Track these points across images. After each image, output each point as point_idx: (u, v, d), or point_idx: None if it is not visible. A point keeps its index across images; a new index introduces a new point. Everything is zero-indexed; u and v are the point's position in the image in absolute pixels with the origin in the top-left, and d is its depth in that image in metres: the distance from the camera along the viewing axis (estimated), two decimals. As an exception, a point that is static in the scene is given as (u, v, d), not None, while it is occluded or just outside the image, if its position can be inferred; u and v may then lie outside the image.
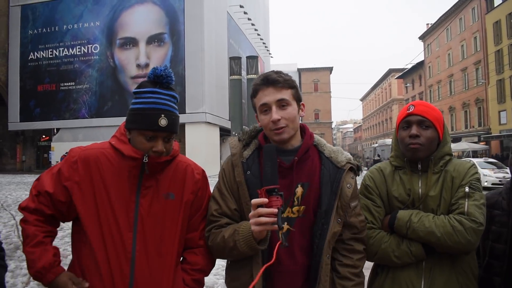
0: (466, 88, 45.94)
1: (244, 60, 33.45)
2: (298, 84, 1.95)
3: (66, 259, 2.52)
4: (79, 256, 1.80)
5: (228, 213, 1.88)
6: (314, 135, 2.01)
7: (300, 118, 1.99)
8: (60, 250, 2.00)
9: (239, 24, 38.09)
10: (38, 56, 32.75)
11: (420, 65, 59.75)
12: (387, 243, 2.00)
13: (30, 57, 32.89)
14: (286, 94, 1.84)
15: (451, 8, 48.48)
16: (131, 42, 30.46)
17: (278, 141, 1.85)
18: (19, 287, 4.96)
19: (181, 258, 1.97)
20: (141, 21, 30.18)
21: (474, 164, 2.13)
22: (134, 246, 1.74)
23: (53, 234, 1.87)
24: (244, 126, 27.74)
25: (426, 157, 2.04)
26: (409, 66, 61.84)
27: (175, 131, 1.84)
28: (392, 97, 77.48)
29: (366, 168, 42.00)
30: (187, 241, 1.94)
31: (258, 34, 43.77)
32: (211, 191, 2.02)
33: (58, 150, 29.45)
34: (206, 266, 1.96)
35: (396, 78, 72.94)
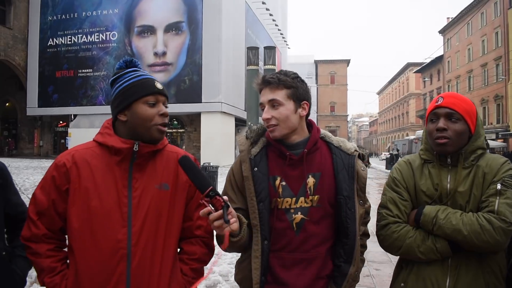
0: (486, 84, 45.24)
1: (261, 51, 33.32)
2: (300, 84, 1.96)
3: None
4: (72, 257, 1.77)
5: None
6: (320, 129, 2.07)
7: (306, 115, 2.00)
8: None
9: (257, 14, 37.91)
10: (57, 42, 33.02)
11: (439, 59, 58.92)
12: (412, 238, 1.96)
13: (49, 43, 33.19)
14: (279, 95, 1.89)
15: (473, 2, 47.65)
16: (149, 30, 30.54)
17: (273, 138, 1.93)
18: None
19: (178, 249, 1.97)
20: (159, 9, 30.21)
21: (508, 160, 2.02)
22: (129, 241, 1.71)
23: (66, 254, 1.84)
24: (249, 123, 27.71)
25: (455, 151, 1.97)
26: (428, 61, 61.02)
27: (168, 96, 1.89)
28: (409, 91, 76.65)
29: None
30: (183, 231, 1.93)
31: (276, 25, 43.51)
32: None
33: (75, 136, 29.80)
34: (204, 255, 1.95)
35: (414, 72, 72.13)
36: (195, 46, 29.42)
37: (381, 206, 2.10)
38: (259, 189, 1.89)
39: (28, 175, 16.34)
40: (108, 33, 31.71)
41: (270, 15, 40.08)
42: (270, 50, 32.89)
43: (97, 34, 32.01)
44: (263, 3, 37.57)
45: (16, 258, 2.01)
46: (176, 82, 29.71)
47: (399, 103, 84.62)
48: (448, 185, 1.98)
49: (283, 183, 1.91)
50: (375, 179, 25.79)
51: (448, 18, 58.18)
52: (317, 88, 74.30)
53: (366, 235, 2.13)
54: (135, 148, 1.76)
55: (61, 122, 35.80)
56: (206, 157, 26.41)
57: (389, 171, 2.28)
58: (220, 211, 1.58)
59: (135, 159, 1.78)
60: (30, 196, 10.28)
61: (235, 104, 31.49)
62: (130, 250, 1.71)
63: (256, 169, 1.92)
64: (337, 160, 1.95)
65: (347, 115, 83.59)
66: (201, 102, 28.89)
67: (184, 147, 32.66)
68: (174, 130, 33.75)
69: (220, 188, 2.02)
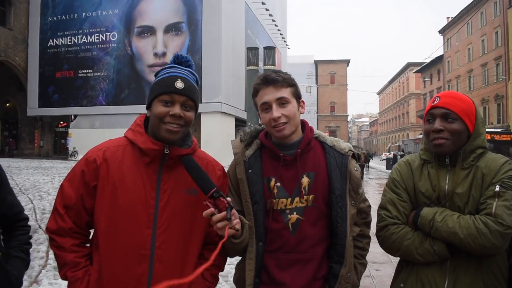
0: (486, 84, 45.23)
1: (261, 51, 33.34)
2: (297, 83, 2.00)
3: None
4: (96, 254, 1.77)
5: None
6: (314, 128, 2.08)
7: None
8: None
9: (257, 15, 37.91)
10: (57, 43, 33.04)
11: (439, 59, 58.92)
12: (410, 240, 1.94)
13: (49, 44, 33.21)
14: (286, 93, 1.90)
15: (473, 2, 47.64)
16: (149, 30, 30.56)
17: (279, 138, 1.92)
18: (36, 270, 5.07)
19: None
20: (159, 9, 30.23)
21: (509, 160, 1.96)
22: (153, 243, 1.70)
23: (90, 250, 1.83)
24: (248, 123, 27.68)
25: (454, 152, 1.94)
26: (428, 60, 61.00)
27: (193, 98, 1.79)
28: (409, 91, 76.67)
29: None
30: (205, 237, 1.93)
31: (276, 25, 43.50)
32: None
33: (76, 136, 29.84)
34: (222, 261, 1.96)
35: (414, 72, 72.14)
36: (195, 47, 29.43)
37: (381, 207, 2.09)
38: (253, 190, 1.91)
39: (28, 175, 16.33)
40: (108, 33, 31.72)
41: (270, 15, 40.08)
42: (270, 50, 32.92)
43: (97, 34, 32.02)
44: (263, 3, 37.57)
45: (12, 259, 1.98)
46: (176, 82, 29.66)
47: (399, 103, 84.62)
48: (446, 186, 1.95)
49: (278, 184, 1.92)
50: (375, 179, 25.79)
51: (448, 18, 58.18)
52: (317, 88, 74.32)
53: (367, 237, 2.11)
54: (166, 151, 1.75)
55: (61, 122, 35.79)
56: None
57: (390, 171, 2.27)
58: (224, 213, 1.59)
59: (166, 161, 1.77)
60: (30, 196, 10.28)
61: (235, 104, 31.49)
62: (153, 252, 1.71)
63: (250, 171, 1.94)
64: (330, 159, 1.96)
65: (347, 115, 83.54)
66: (201, 103, 28.68)
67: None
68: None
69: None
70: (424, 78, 64.07)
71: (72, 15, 32.73)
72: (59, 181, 14.13)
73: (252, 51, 31.18)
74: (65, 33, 32.77)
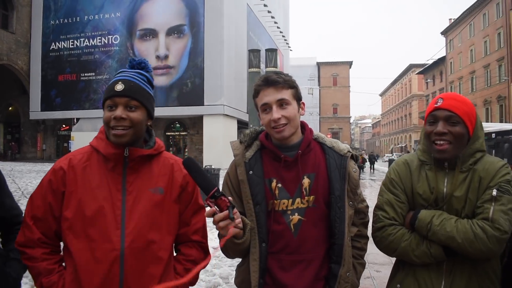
0: (488, 85, 45.14)
1: (263, 53, 33.37)
2: (298, 85, 2.01)
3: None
4: (68, 258, 1.79)
5: None
6: (313, 130, 2.10)
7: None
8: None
9: (259, 17, 37.98)
10: (60, 46, 33.16)
11: (441, 60, 58.86)
12: (407, 242, 1.94)
13: (52, 47, 33.33)
14: (286, 94, 1.91)
15: (475, 3, 47.58)
16: (151, 33, 30.64)
17: (279, 139, 1.93)
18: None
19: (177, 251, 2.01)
20: (161, 12, 30.31)
21: (506, 164, 1.94)
22: (122, 243, 1.72)
23: (62, 257, 1.85)
24: (250, 125, 27.76)
25: (454, 156, 1.93)
26: (430, 62, 60.90)
27: (136, 97, 1.80)
28: (412, 92, 76.57)
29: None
30: (180, 236, 1.95)
31: (278, 27, 43.58)
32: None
33: (78, 139, 29.86)
34: (200, 259, 1.93)
35: (416, 74, 72.05)
36: (197, 49, 29.49)
37: (378, 207, 2.08)
38: (255, 192, 1.91)
39: (31, 178, 16.37)
40: (110, 36, 31.83)
41: (272, 17, 40.16)
42: (272, 52, 32.94)
43: (99, 37, 32.14)
44: (265, 5, 37.65)
45: (10, 261, 2.01)
46: (179, 85, 29.78)
47: (401, 105, 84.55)
48: (445, 189, 1.94)
49: (279, 185, 1.93)
50: (378, 180, 25.74)
51: (450, 19, 58.13)
52: (319, 90, 74.30)
53: (365, 237, 2.12)
54: (126, 153, 1.79)
55: (64, 125, 35.85)
56: (209, 159, 26.43)
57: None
58: (226, 212, 1.59)
59: (127, 163, 1.81)
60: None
61: (237, 106, 31.52)
62: (123, 252, 1.72)
63: (251, 172, 1.95)
64: (330, 160, 1.98)
65: (350, 117, 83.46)
66: (203, 105, 28.91)
67: (186, 150, 32.69)
68: (176, 133, 33.79)
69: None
70: (427, 80, 64.01)
71: (74, 18, 32.84)
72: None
73: (254, 53, 31.22)
74: (67, 36, 32.91)
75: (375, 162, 42.42)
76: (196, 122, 31.56)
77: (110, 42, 31.87)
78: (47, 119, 34.77)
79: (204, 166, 12.35)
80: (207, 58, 29.07)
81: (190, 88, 29.64)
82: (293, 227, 1.91)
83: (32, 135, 36.45)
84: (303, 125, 2.06)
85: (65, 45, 33.05)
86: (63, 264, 1.82)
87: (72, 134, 31.95)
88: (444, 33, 59.06)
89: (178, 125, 33.14)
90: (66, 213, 1.76)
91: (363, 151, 45.69)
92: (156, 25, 30.46)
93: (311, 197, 1.93)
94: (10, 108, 37.51)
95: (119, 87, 1.78)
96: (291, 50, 53.66)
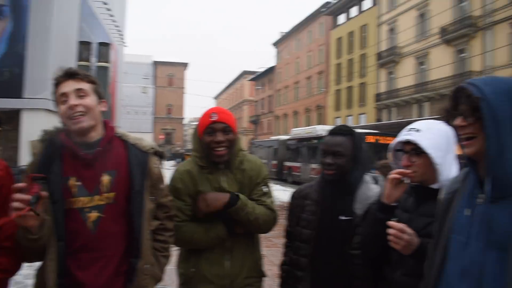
0: (309, 95, 49.96)
1: (95, 46, 31.73)
2: (99, 83, 2.10)
3: None
4: None
5: None
6: (116, 127, 2.16)
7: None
8: None
9: (94, 7, 36.04)
10: None
11: (271, 69, 63.17)
12: (198, 233, 2.37)
13: None
14: (85, 86, 1.97)
15: (303, 20, 52.34)
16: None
17: (77, 131, 1.94)
18: None
19: None
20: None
21: (262, 162, 2.65)
22: None
23: None
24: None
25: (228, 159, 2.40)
26: (261, 70, 64.93)
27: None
28: (243, 97, 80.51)
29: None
30: None
31: (113, 21, 41.88)
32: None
33: None
34: (11, 265, 1.89)
35: (248, 80, 75.93)
36: (19, 35, 26.64)
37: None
38: (52, 190, 1.85)
39: None
40: None
41: (108, 10, 38.42)
42: (105, 46, 31.47)
43: None
44: (100, -4, 35.84)
45: None
46: (-6, 73, 26.51)
47: (234, 108, 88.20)
48: (226, 187, 2.41)
49: (78, 183, 1.93)
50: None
51: (281, 32, 62.69)
52: (154, 89, 73.39)
53: (169, 230, 2.24)
54: None
55: None
56: (27, 159, 24.14)
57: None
58: (29, 196, 1.59)
59: None
60: None
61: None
62: None
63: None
64: (131, 157, 2.04)
65: (184, 118, 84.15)
66: (22, 98, 26.22)
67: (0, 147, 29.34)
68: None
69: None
70: (257, 86, 68.02)
71: None
72: None
73: (84, 45, 29.36)
74: None
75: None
76: (13, 117, 28.46)
77: None
78: None
79: (19, 166, 11.31)
80: (31, 46, 26.22)
81: (7, 78, 26.50)
82: (93, 224, 1.91)
83: None
84: (105, 123, 2.08)
85: None
86: None
87: None
88: (275, 44, 63.47)
89: (-8, 118, 29.51)
90: None
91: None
92: (-31, 2, 26.79)
93: (112, 194, 1.96)
94: None
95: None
96: (125, 46, 51.94)
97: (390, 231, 1.77)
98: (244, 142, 50.94)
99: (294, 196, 2.62)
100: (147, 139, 2.29)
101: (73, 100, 1.90)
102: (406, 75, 34.06)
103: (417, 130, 1.92)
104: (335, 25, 45.39)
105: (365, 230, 2.11)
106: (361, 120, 39.94)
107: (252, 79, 72.88)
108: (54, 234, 1.84)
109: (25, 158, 24.81)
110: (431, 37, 31.79)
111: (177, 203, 2.36)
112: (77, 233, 1.89)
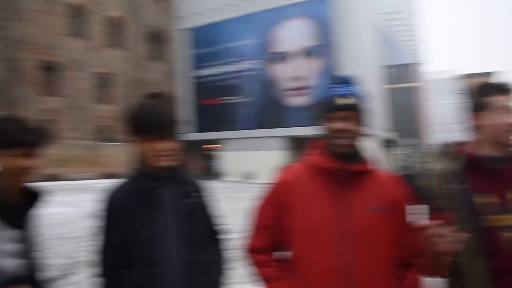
0: None
1: (398, 69, 32.30)
2: None
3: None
4: (297, 268, 1.83)
5: None
6: None
7: None
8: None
9: (390, 32, 36.87)
10: (203, 73, 35.55)
11: None
12: None
13: (197, 74, 35.94)
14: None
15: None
16: (285, 56, 31.19)
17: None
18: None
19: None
20: (293, 35, 30.72)
21: None
22: (340, 259, 1.73)
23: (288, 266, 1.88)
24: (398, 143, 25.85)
25: None
26: None
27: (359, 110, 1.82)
28: None
29: None
30: (398, 257, 1.84)
31: (411, 41, 42.00)
32: None
33: (222, 158, 31.10)
34: (420, 285, 1.84)
35: None
36: (331, 69, 29.20)
37: None
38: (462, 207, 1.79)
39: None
40: (247, 61, 33.16)
41: (406, 31, 38.74)
42: (408, 67, 31.60)
43: (237, 63, 33.64)
44: (395, 19, 36.43)
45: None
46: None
47: None
48: None
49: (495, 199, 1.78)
50: None
51: None
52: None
53: None
54: (340, 167, 1.77)
55: (208, 145, 37.61)
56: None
57: None
58: (451, 227, 1.54)
59: (341, 178, 1.78)
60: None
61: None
62: (342, 268, 1.72)
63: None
64: None
65: None
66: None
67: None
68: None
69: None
70: None
71: (215, 47, 34.88)
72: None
73: (389, 69, 30.02)
74: (209, 64, 35.09)
75: None
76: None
77: (246, 67, 33.15)
78: (194, 140, 36.91)
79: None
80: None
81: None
82: None
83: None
84: None
85: (208, 72, 35.28)
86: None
87: (216, 153, 34.10)
88: None
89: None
90: (292, 224, 1.82)
91: None
92: (289, 47, 30.91)
93: None
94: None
95: (341, 101, 1.80)
96: (430, 64, 51.09)
97: None
98: None
99: None
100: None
101: None
102: None
103: None
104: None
105: None
106: None
107: None
108: (479, 252, 1.72)
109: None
110: None
111: None
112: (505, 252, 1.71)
